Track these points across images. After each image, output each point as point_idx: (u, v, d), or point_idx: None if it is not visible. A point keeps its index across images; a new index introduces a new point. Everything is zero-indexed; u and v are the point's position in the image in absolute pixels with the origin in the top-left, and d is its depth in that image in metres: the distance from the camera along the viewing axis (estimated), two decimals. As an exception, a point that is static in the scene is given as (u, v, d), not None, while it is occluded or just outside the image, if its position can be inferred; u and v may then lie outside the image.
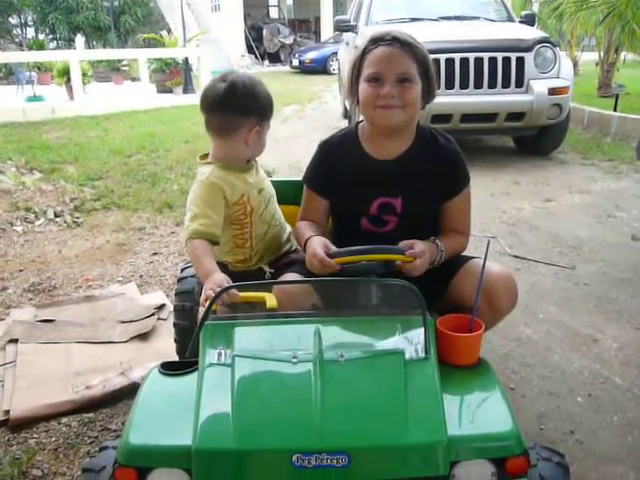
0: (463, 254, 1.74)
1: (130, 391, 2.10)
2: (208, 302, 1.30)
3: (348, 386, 1.17)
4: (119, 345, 2.41)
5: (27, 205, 4.32)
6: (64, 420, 1.98)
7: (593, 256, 3.38)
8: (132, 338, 2.46)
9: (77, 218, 4.18)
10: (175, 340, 2.19)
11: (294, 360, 1.19)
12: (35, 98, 10.26)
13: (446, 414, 1.12)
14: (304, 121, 8.55)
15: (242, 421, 1.10)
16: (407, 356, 1.21)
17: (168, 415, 1.19)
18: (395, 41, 1.55)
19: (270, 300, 1.33)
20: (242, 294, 1.34)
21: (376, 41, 1.57)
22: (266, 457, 1.08)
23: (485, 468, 1.10)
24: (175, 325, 2.15)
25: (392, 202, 1.64)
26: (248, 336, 1.31)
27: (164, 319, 2.61)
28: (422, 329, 1.25)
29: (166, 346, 2.38)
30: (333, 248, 1.49)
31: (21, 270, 3.29)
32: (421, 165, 1.64)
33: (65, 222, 4.10)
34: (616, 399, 2.09)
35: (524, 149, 6.19)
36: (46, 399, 2.03)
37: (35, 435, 1.92)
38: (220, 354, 1.24)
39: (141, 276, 3.19)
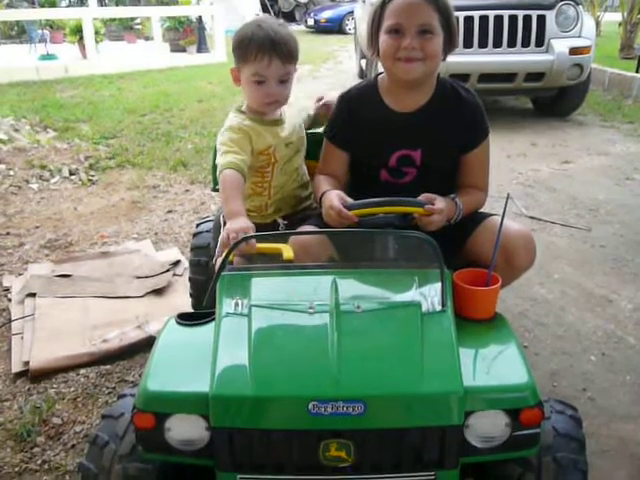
0: (481, 211, 1.72)
1: (146, 344, 2.13)
2: (225, 252, 1.29)
3: (364, 336, 1.17)
4: (135, 300, 2.44)
5: (42, 163, 4.33)
6: (82, 371, 2.03)
7: (610, 218, 3.35)
8: (148, 293, 2.49)
9: (92, 176, 4.19)
10: (190, 295, 2.22)
11: (310, 310, 1.19)
12: (48, 57, 10.16)
13: (462, 366, 1.12)
14: (318, 81, 8.42)
15: (259, 368, 1.10)
16: (424, 308, 1.21)
17: (185, 363, 1.20)
18: None
19: (287, 252, 1.32)
20: (259, 245, 1.34)
21: None
22: (283, 404, 1.09)
23: (500, 418, 1.10)
24: (190, 279, 2.18)
25: (411, 154, 1.63)
26: (264, 287, 1.31)
27: (179, 275, 2.64)
28: (439, 282, 1.25)
29: (181, 301, 2.41)
30: (349, 200, 1.48)
31: (37, 227, 3.32)
32: (441, 117, 1.62)
33: (80, 180, 4.12)
34: (629, 358, 2.10)
35: (542, 110, 6.06)
36: (64, 351, 2.08)
37: (54, 385, 1.97)
38: (237, 304, 1.24)
39: (156, 233, 3.20)
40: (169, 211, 3.51)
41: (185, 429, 1.11)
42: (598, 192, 3.76)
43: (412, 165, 1.64)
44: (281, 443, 1.08)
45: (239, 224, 1.40)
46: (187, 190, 3.86)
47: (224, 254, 1.30)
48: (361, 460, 1.08)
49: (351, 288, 1.27)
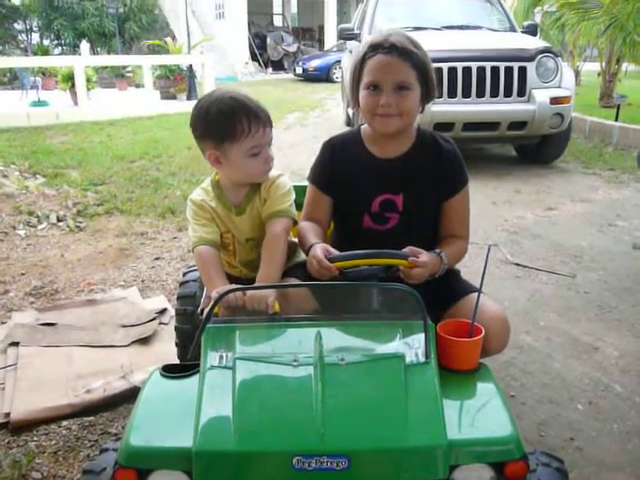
0: (462, 282, 1.74)
1: (131, 395, 2.10)
2: (210, 304, 1.31)
3: (349, 389, 1.17)
4: (120, 349, 2.42)
5: (30, 209, 4.34)
6: (64, 423, 1.99)
7: (594, 265, 3.39)
8: (133, 342, 2.46)
9: (80, 223, 4.20)
10: (176, 344, 2.20)
11: (295, 363, 1.19)
12: (39, 103, 10.31)
13: (446, 418, 1.11)
14: (307, 129, 8.58)
15: (243, 423, 1.09)
16: (407, 360, 1.22)
17: (169, 417, 1.19)
18: (393, 49, 1.55)
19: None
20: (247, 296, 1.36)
21: (375, 48, 1.58)
22: (267, 459, 1.08)
23: (484, 472, 1.10)
24: (176, 329, 2.16)
25: (393, 199, 1.66)
26: (249, 339, 1.32)
27: (165, 323, 2.62)
28: (422, 334, 1.26)
29: (167, 350, 2.39)
30: (334, 252, 1.49)
31: (23, 274, 3.30)
32: (422, 164, 1.67)
33: (68, 226, 4.12)
34: (616, 407, 2.09)
35: (526, 158, 6.21)
36: (46, 402, 2.04)
37: (35, 438, 1.93)
38: (222, 357, 1.24)
39: (143, 281, 3.20)
40: (156, 258, 3.51)
41: None
42: (582, 239, 3.82)
43: (395, 210, 1.68)
44: None
45: (218, 289, 1.43)
46: (175, 237, 3.87)
47: (209, 306, 1.31)
48: None
49: (335, 340, 1.27)
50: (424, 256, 1.49)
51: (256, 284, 1.49)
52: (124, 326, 2.59)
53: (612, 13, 7.16)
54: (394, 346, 1.26)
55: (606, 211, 4.43)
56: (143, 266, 3.40)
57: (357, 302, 1.41)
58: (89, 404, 2.05)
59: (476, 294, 1.43)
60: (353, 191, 1.68)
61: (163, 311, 2.71)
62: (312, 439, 1.06)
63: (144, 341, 2.47)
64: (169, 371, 1.32)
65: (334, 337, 1.28)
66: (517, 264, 3.38)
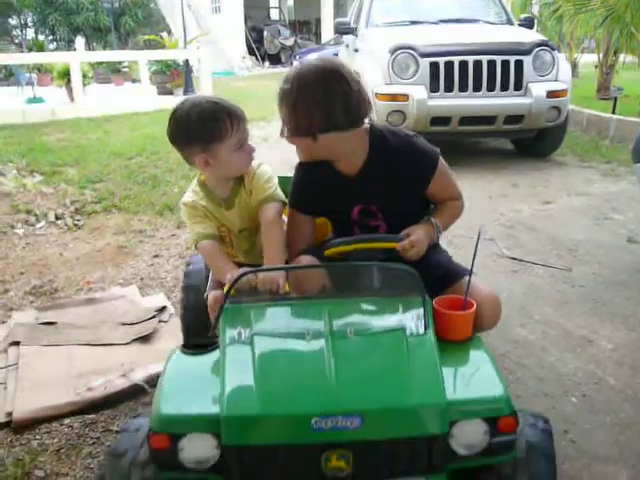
0: (455, 266, 1.81)
1: (131, 392, 2.14)
2: (227, 287, 1.44)
3: (357, 358, 1.32)
4: (120, 347, 2.44)
5: (28, 208, 4.36)
6: (66, 421, 2.02)
7: (589, 258, 3.42)
8: (133, 340, 2.49)
9: (78, 221, 4.22)
10: (182, 317, 2.29)
11: (308, 337, 1.33)
12: (35, 100, 10.29)
13: (444, 381, 1.25)
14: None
15: (265, 390, 1.22)
16: (408, 332, 1.36)
17: (194, 387, 1.32)
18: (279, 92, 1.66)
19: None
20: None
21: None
22: (287, 421, 1.20)
23: (479, 427, 1.23)
24: (184, 307, 2.25)
25: (369, 208, 1.75)
26: (264, 317, 1.46)
27: (165, 321, 2.65)
28: (421, 308, 1.39)
29: (167, 348, 2.39)
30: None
31: (22, 273, 3.33)
32: (382, 172, 1.71)
33: (66, 225, 4.14)
34: (609, 400, 2.13)
35: (523, 151, 6.22)
36: (48, 401, 2.07)
37: (37, 436, 1.96)
38: (240, 333, 1.37)
39: (142, 279, 3.22)
40: (155, 256, 3.53)
41: (197, 448, 1.21)
42: (578, 232, 3.84)
43: (375, 217, 1.76)
44: (287, 457, 1.20)
45: (232, 273, 1.54)
46: (173, 234, 3.89)
47: (226, 288, 1.45)
48: (359, 469, 1.20)
49: (342, 315, 1.42)
50: (416, 233, 1.61)
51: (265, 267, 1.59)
52: (124, 324, 2.61)
53: (609, 5, 7.16)
54: (396, 319, 1.41)
55: (602, 204, 4.45)
56: (142, 264, 3.42)
57: (361, 281, 1.55)
58: (90, 402, 2.08)
59: (464, 279, 1.57)
60: (329, 206, 1.78)
61: (162, 309, 2.74)
62: (328, 401, 1.19)
63: (144, 339, 2.50)
64: (189, 348, 1.43)
65: (341, 313, 1.43)
66: (513, 258, 3.41)
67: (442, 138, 5.72)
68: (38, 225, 4.13)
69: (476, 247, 1.49)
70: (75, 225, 4.14)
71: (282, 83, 1.64)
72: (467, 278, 1.54)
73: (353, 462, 1.19)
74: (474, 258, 1.50)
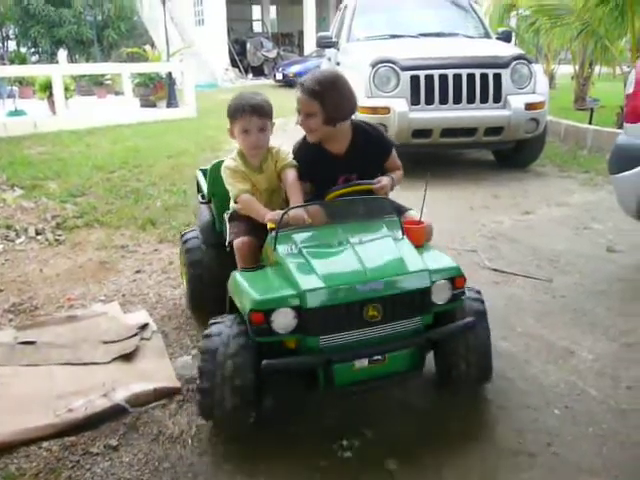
0: (402, 205, 2.54)
1: (112, 413, 2.11)
2: (278, 221, 2.05)
3: (370, 252, 1.98)
4: (101, 366, 2.41)
5: (8, 223, 4.31)
6: (45, 444, 1.98)
7: (570, 268, 3.46)
8: (115, 359, 2.45)
9: (59, 236, 4.17)
10: (188, 285, 2.91)
11: (335, 244, 2.04)
12: (16, 112, 10.17)
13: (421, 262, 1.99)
14: (288, 134, 8.58)
15: (324, 273, 1.88)
16: (393, 237, 2.08)
17: (267, 282, 1.94)
18: (303, 88, 2.37)
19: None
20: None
21: (299, 87, 2.40)
22: (342, 288, 1.84)
23: (445, 285, 1.96)
24: (190, 278, 2.83)
25: (350, 177, 2.43)
26: (303, 237, 2.08)
27: (147, 339, 2.62)
28: (397, 224, 2.15)
29: (149, 366, 2.39)
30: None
31: (1, 290, 3.28)
32: (361, 151, 2.46)
33: (47, 240, 4.09)
34: (591, 410, 2.15)
35: (503, 162, 6.30)
36: (27, 423, 2.03)
37: (15, 460, 1.92)
38: (290, 248, 2.02)
39: (124, 295, 3.19)
40: (137, 271, 3.50)
41: (283, 319, 1.79)
42: (558, 242, 3.89)
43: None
44: (342, 311, 1.83)
45: (270, 215, 2.17)
46: (156, 249, 3.86)
47: (278, 222, 2.05)
48: (385, 315, 1.87)
49: (351, 232, 2.09)
50: (384, 180, 2.39)
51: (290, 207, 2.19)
52: (105, 342, 2.58)
53: (584, 19, 7.30)
54: (385, 231, 2.12)
55: (581, 214, 4.51)
56: (124, 280, 3.39)
57: (356, 211, 2.22)
58: (70, 424, 2.04)
59: (411, 213, 2.44)
60: (321, 175, 2.41)
61: (144, 326, 2.71)
62: (363, 275, 1.88)
63: (126, 357, 2.47)
64: (245, 270, 2.10)
65: (350, 230, 2.10)
66: (495, 269, 3.44)
67: (424, 150, 5.80)
68: (18, 240, 4.08)
69: (424, 194, 2.21)
70: (56, 240, 4.09)
71: (310, 83, 2.34)
72: (411, 211, 2.45)
73: (382, 311, 1.86)
74: (423, 202, 2.24)
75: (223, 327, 1.92)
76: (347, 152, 2.45)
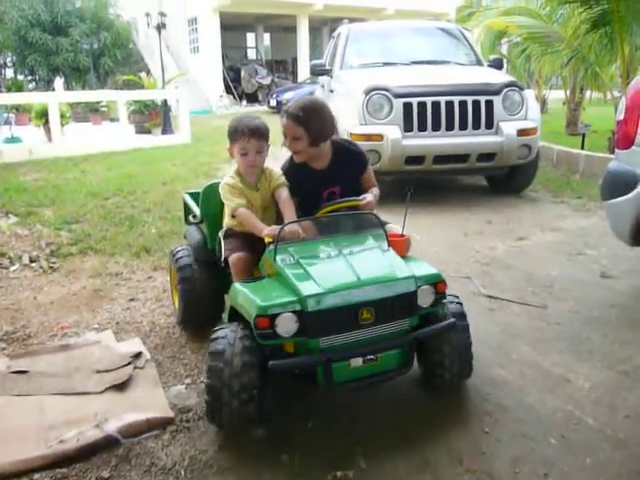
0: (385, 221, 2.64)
1: (105, 444, 2.08)
2: (277, 236, 2.24)
3: (361, 261, 2.19)
4: (94, 396, 2.38)
5: (2, 250, 4.29)
6: (36, 476, 1.95)
7: (564, 294, 3.46)
8: (108, 388, 2.43)
9: (53, 263, 4.16)
10: (180, 299, 2.99)
11: (330, 255, 2.24)
12: (13, 139, 10.23)
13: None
14: (280, 162, 8.63)
15: (321, 281, 2.06)
16: (380, 248, 2.30)
17: (269, 291, 2.10)
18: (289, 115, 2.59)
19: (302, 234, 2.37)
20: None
21: (284, 113, 2.64)
22: (338, 294, 2.02)
23: (429, 289, 2.18)
24: (182, 292, 2.94)
25: (334, 190, 2.70)
26: (299, 250, 2.26)
27: (141, 367, 2.59)
28: (383, 236, 2.36)
29: (143, 395, 2.37)
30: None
31: (-6, 319, 3.25)
32: (342, 166, 2.73)
33: (41, 267, 4.08)
34: (588, 440, 2.13)
35: (496, 188, 6.34)
36: (18, 455, 2.00)
37: (6, 493, 1.89)
38: (289, 259, 2.21)
39: (117, 323, 3.17)
40: (131, 299, 3.48)
41: (286, 323, 1.97)
42: (552, 268, 3.90)
43: (337, 196, 2.68)
44: (339, 314, 2.01)
45: (268, 229, 2.37)
46: (150, 277, 3.85)
47: (277, 236, 2.24)
48: (377, 317, 2.05)
49: (343, 244, 2.30)
50: (369, 197, 2.59)
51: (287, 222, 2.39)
52: (98, 371, 2.55)
53: (573, 46, 7.43)
54: (372, 243, 2.34)
55: (575, 240, 4.53)
56: (118, 308, 3.37)
57: (346, 226, 2.43)
58: (62, 455, 2.02)
59: (391, 226, 2.59)
60: (307, 189, 2.66)
61: (138, 355, 2.69)
62: (357, 282, 2.07)
63: (119, 387, 2.44)
64: (245, 282, 2.26)
65: (341, 242, 2.31)
66: (489, 296, 3.44)
67: (417, 177, 5.84)
68: (12, 268, 4.06)
69: (406, 210, 2.45)
70: (50, 268, 4.07)
71: (294, 110, 2.56)
72: (391, 225, 2.61)
73: (374, 314, 2.04)
74: (405, 217, 2.48)
75: (228, 331, 2.09)
76: (329, 167, 2.72)
